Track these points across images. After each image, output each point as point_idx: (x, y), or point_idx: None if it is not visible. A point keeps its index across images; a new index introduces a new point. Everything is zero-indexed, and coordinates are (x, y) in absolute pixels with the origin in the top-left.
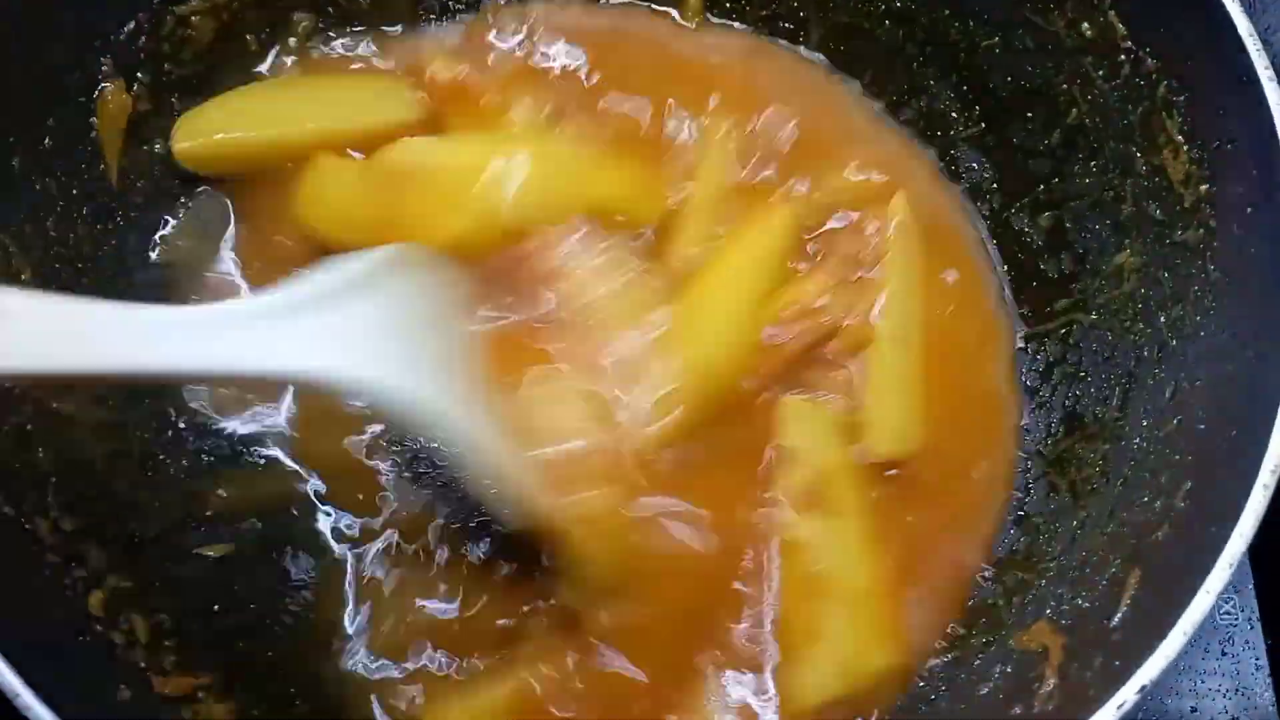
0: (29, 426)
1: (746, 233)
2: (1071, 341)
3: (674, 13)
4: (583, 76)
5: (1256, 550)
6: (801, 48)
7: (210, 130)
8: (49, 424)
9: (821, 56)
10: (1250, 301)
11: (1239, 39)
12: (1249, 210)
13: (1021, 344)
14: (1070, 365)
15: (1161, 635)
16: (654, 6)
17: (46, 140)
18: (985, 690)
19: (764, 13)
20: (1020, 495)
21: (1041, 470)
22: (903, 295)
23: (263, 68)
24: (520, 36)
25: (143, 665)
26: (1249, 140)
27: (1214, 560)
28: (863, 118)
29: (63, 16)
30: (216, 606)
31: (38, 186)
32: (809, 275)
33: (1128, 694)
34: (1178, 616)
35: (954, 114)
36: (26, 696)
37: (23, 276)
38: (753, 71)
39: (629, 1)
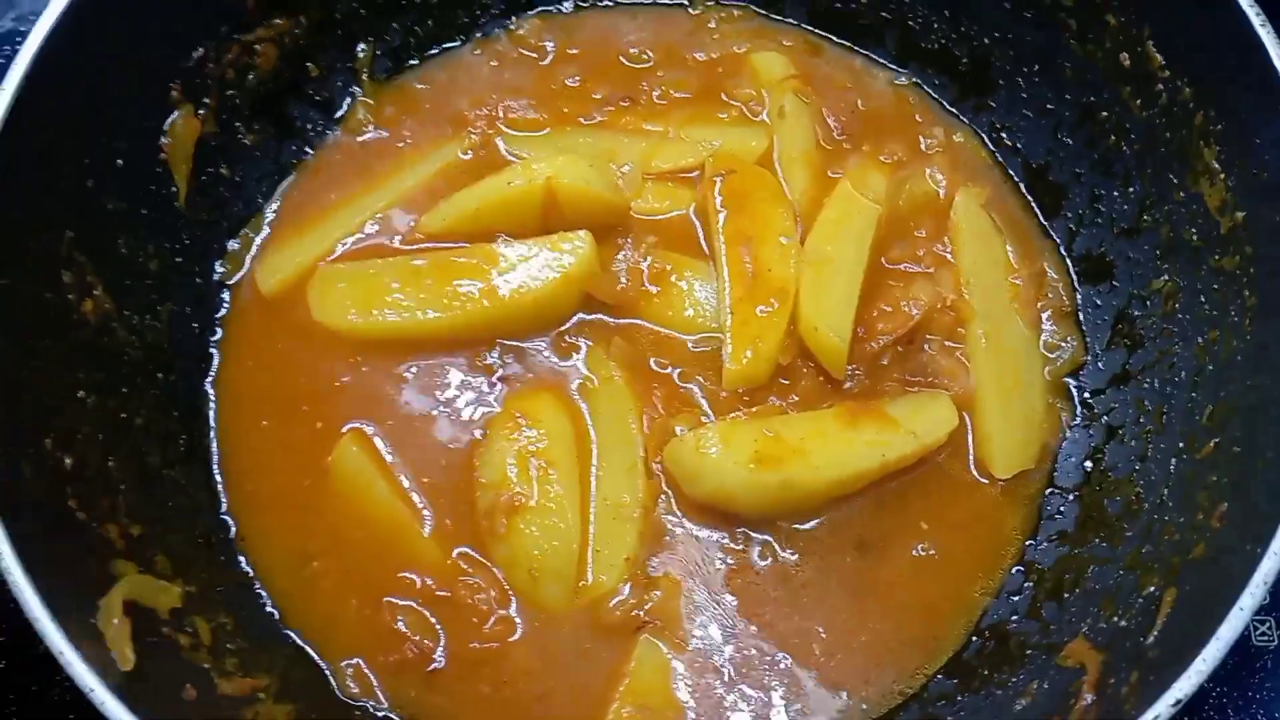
0: (100, 436)
1: (842, 216)
2: (1113, 361)
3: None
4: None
5: None
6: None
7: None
8: (120, 435)
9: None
10: None
11: (1275, 71)
12: None
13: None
14: (1115, 385)
15: (1196, 651)
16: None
17: (119, 162)
18: (1022, 705)
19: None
20: (1058, 512)
21: (1079, 487)
22: (984, 267)
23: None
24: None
25: (206, 666)
26: None
27: (1249, 578)
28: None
29: (135, 42)
30: (274, 613)
31: (109, 206)
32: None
33: (1162, 708)
34: (1212, 633)
35: (995, 124)
36: (101, 692)
37: (95, 292)
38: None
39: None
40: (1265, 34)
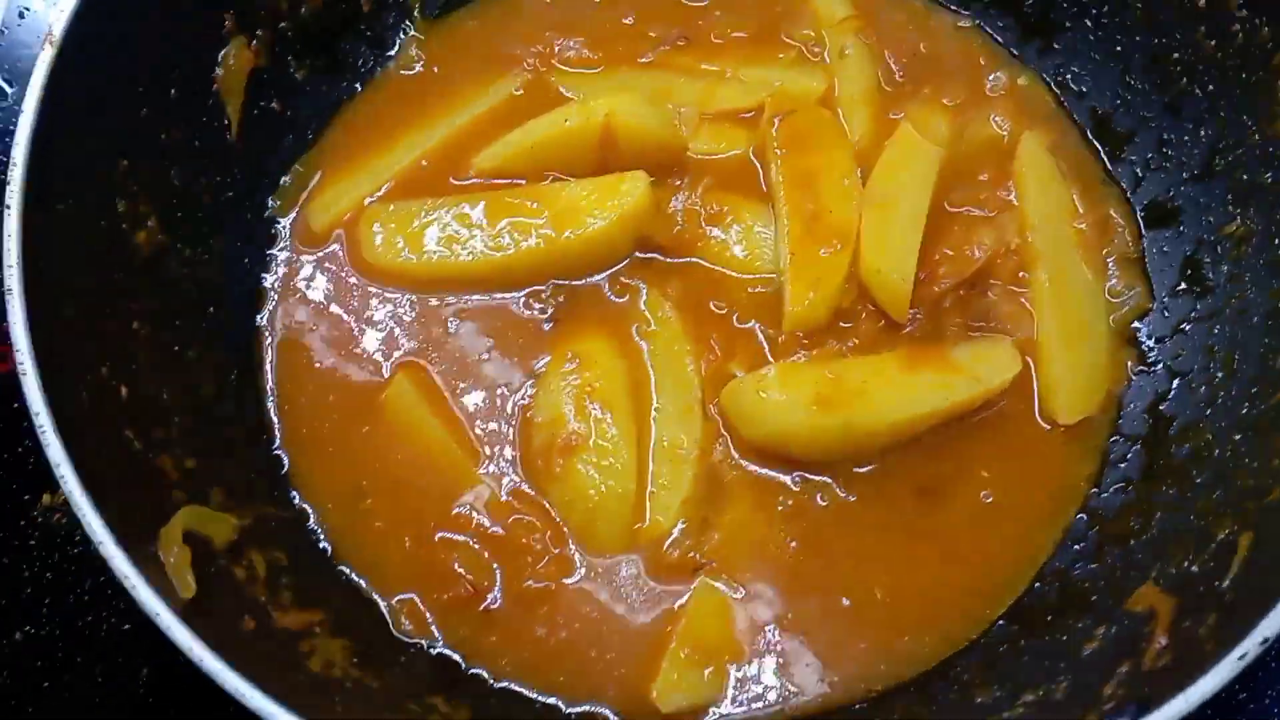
0: (154, 367)
1: (904, 158)
2: (1179, 308)
3: None
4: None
5: None
6: None
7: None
8: (173, 367)
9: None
10: None
11: None
12: None
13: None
14: (1181, 331)
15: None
16: None
17: (173, 92)
18: (1090, 650)
19: None
20: (1124, 459)
21: (1145, 434)
22: (1048, 212)
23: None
24: None
25: (263, 600)
26: None
27: None
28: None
29: None
30: (327, 549)
31: (163, 136)
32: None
33: (1250, 645)
34: None
35: (1060, 69)
36: (166, 616)
37: (149, 223)
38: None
39: None
40: None
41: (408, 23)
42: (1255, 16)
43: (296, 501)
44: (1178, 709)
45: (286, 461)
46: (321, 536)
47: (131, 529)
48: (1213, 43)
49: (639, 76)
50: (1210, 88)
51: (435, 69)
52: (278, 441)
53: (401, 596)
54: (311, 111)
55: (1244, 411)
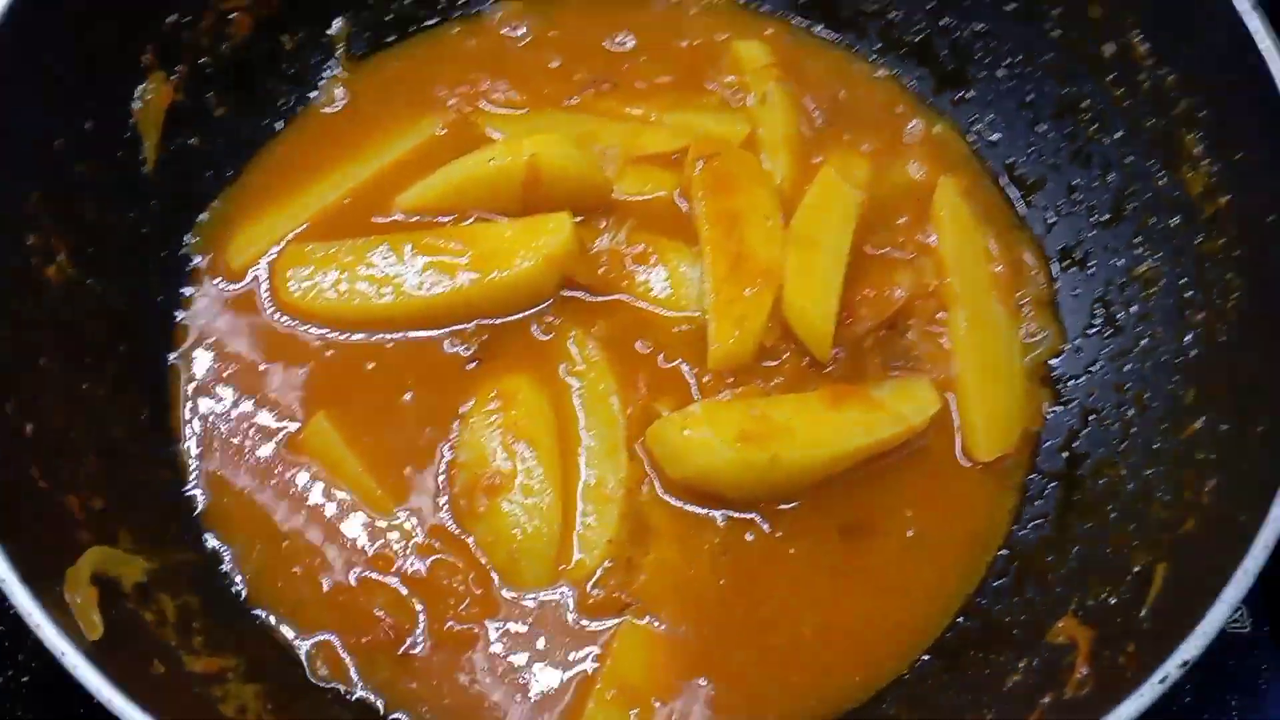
0: (61, 405)
1: (825, 200)
2: (1091, 347)
3: None
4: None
5: None
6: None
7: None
8: (81, 405)
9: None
10: (1273, 303)
11: (1261, 57)
12: (1270, 220)
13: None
14: (1093, 370)
15: (1201, 615)
16: None
17: (88, 124)
18: (1013, 683)
19: None
20: (1040, 495)
21: (1061, 471)
22: (965, 255)
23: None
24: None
25: (173, 644)
26: (1270, 154)
27: (1250, 545)
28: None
29: (109, 3)
30: (240, 593)
31: (78, 169)
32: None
33: (1170, 668)
34: (1217, 595)
35: (974, 118)
36: (72, 655)
37: (59, 257)
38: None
39: None
40: (1251, 20)
41: (332, 62)
42: (1161, 66)
43: (210, 544)
44: None
45: (200, 502)
46: (235, 580)
47: (36, 568)
48: (1120, 91)
49: (564, 119)
50: (1118, 134)
51: (359, 108)
52: (191, 482)
53: (319, 639)
54: (231, 148)
55: (1155, 446)
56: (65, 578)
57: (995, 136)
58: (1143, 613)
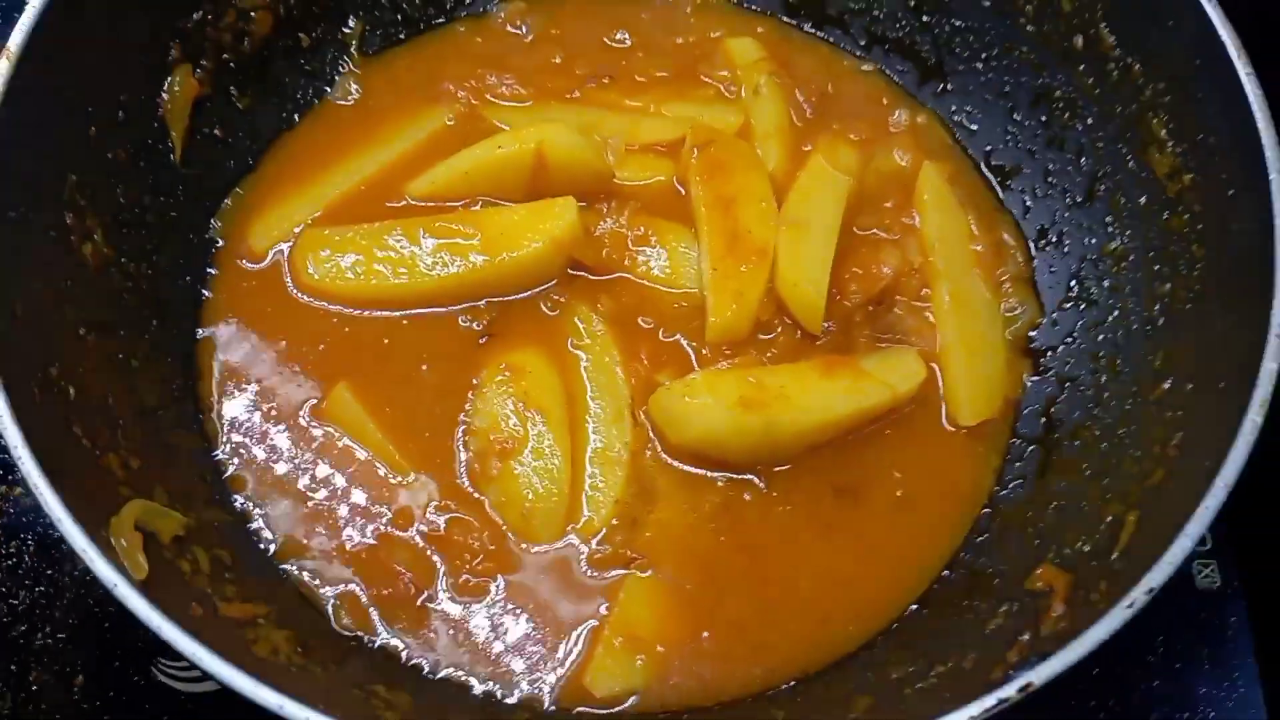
0: (99, 372)
1: (816, 184)
2: (1067, 319)
3: None
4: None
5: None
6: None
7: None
8: (118, 374)
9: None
10: (1233, 271)
11: (1219, 40)
12: (1230, 194)
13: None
14: (1069, 341)
15: (1164, 549)
16: None
17: (120, 114)
18: (994, 627)
19: None
20: (1021, 457)
21: (1040, 436)
22: (947, 234)
23: (328, 79)
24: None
25: (208, 591)
26: (1230, 134)
27: (1211, 483)
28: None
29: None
30: (269, 549)
31: (110, 155)
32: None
33: (1137, 594)
34: (1180, 531)
35: (954, 108)
36: (123, 587)
37: (95, 236)
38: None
39: None
40: (1210, 8)
41: (346, 58)
42: (1128, 56)
43: (239, 504)
44: (1075, 653)
45: (230, 466)
46: (264, 536)
47: (86, 513)
48: (1090, 80)
49: (567, 110)
50: (1089, 121)
51: (371, 101)
52: (221, 447)
53: (343, 590)
54: (252, 139)
55: (1127, 408)
56: (109, 525)
57: (975, 126)
58: (1114, 555)
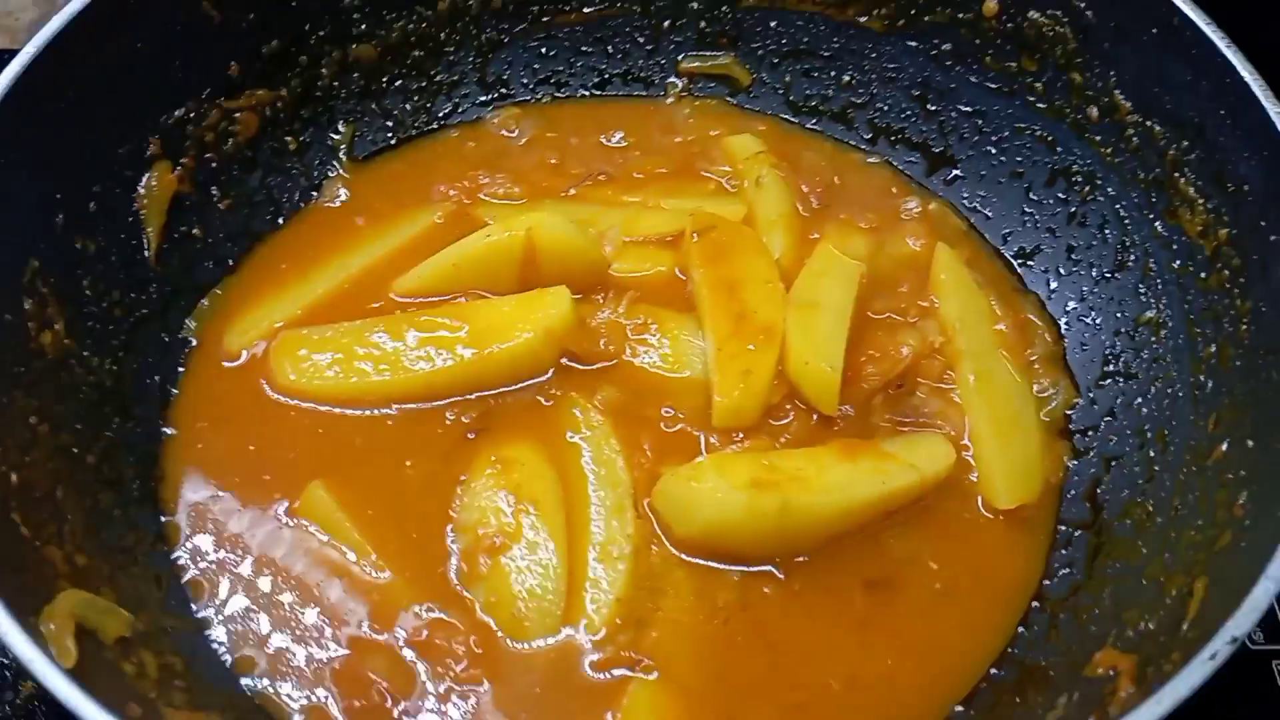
0: (49, 464)
1: (826, 268)
2: (1105, 397)
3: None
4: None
5: None
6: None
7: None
8: (70, 469)
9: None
10: None
11: (1246, 86)
12: (1272, 239)
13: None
14: (1111, 418)
15: (1248, 592)
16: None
17: (91, 205)
18: (1054, 717)
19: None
20: (1068, 544)
21: (1087, 520)
22: (968, 314)
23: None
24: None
25: (152, 696)
26: (1265, 178)
27: None
28: (896, 182)
29: (119, 89)
30: (228, 659)
31: (77, 245)
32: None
33: (1219, 645)
34: (1262, 573)
35: (966, 194)
36: (42, 664)
37: (55, 326)
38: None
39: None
40: (1231, 54)
41: (334, 162)
42: (1147, 119)
43: (196, 611)
44: (1154, 712)
45: (190, 570)
46: (223, 647)
47: (16, 598)
48: (1108, 150)
49: (562, 206)
50: (1110, 191)
51: (360, 203)
52: (180, 552)
53: (309, 704)
54: (233, 239)
55: (1181, 478)
56: (41, 611)
57: (989, 210)
58: (1185, 626)
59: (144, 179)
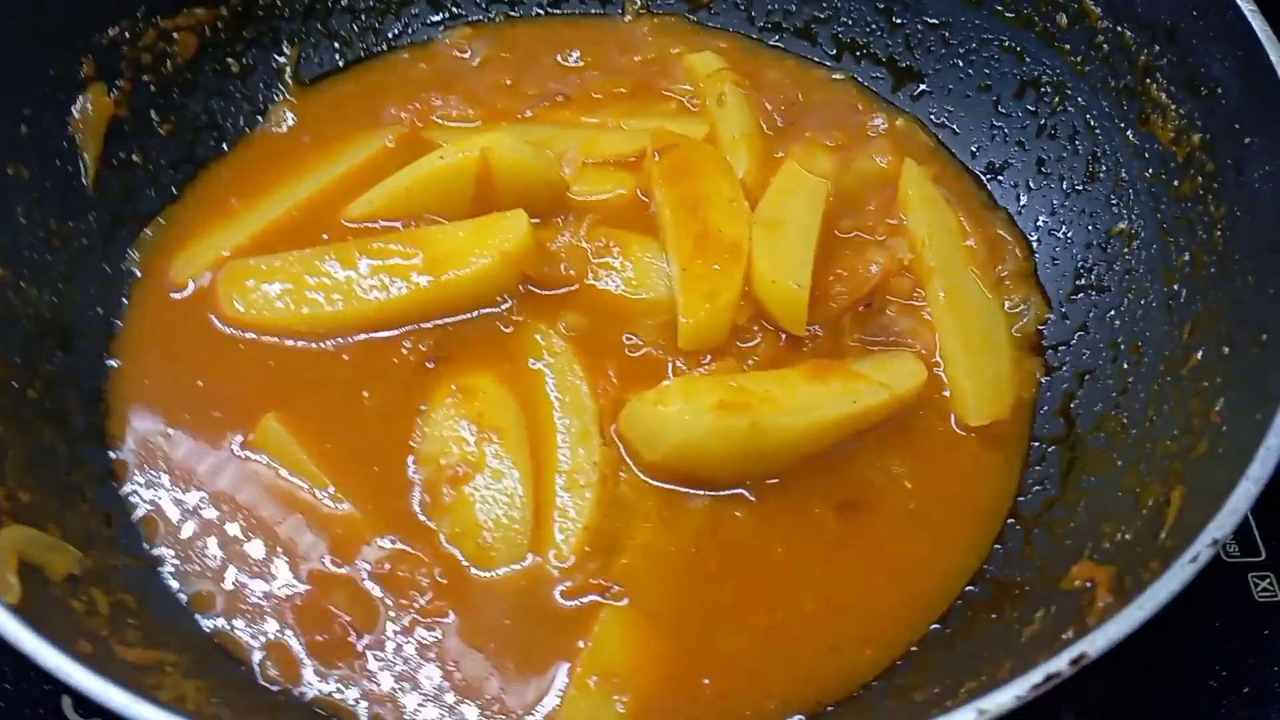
0: None
1: (791, 186)
2: (1077, 311)
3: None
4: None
5: None
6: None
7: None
8: (10, 400)
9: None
10: (1257, 220)
11: None
12: (1246, 141)
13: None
14: (1083, 332)
15: (1223, 502)
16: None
17: (22, 129)
18: (1030, 634)
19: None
20: (1041, 460)
21: (1060, 436)
22: (937, 231)
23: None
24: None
25: (104, 634)
26: (1240, 80)
27: (1270, 424)
28: (862, 99)
29: (44, 8)
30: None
31: (9, 171)
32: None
33: (1200, 547)
34: (1242, 475)
35: (934, 110)
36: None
37: None
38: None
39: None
40: None
41: (279, 86)
42: (1117, 24)
43: (148, 549)
44: (1135, 617)
45: (141, 508)
46: (177, 584)
47: None
48: (1079, 59)
49: (518, 129)
50: (1080, 101)
51: (307, 129)
52: (130, 487)
53: (270, 639)
54: (175, 166)
55: (1155, 389)
56: None
57: (957, 126)
58: (1163, 535)
59: (78, 102)
